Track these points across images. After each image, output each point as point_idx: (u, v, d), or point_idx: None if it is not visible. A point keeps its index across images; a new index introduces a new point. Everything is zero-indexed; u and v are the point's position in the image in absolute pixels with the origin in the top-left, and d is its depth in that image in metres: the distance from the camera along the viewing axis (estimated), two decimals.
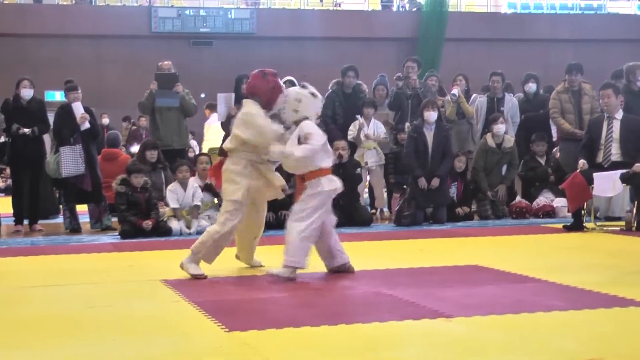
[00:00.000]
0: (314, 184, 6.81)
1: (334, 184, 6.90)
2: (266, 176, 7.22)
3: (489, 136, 12.03)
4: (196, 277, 6.90)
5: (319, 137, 6.85)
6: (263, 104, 7.11)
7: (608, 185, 9.83)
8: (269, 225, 9.55)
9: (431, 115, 11.33)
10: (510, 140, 11.99)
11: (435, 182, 11.23)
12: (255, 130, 7.00)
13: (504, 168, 12.15)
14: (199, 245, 7.07)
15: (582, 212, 10.21)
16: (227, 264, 7.89)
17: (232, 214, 7.05)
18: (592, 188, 9.94)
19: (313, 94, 7.01)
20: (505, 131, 12.09)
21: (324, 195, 6.83)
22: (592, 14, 31.07)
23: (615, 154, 10.02)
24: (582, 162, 10.02)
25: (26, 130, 11.05)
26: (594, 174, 9.83)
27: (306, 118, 6.91)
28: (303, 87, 7.08)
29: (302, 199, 6.83)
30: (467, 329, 4.93)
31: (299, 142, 6.79)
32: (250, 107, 7.14)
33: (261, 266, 7.47)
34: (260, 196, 7.35)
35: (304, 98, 6.97)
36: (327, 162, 6.95)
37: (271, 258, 7.37)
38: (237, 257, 7.65)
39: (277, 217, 10.57)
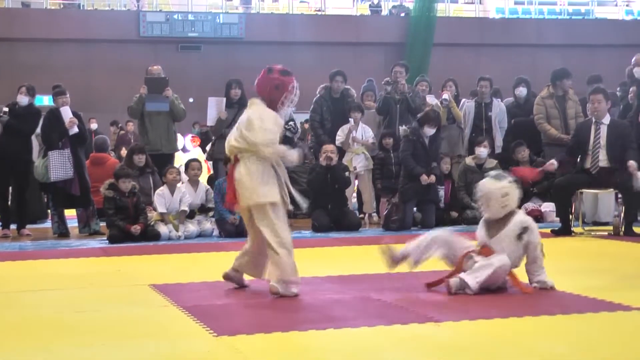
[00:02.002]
0: None
1: None
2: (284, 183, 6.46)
3: (469, 158, 11.97)
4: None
5: None
6: (266, 103, 6.43)
7: None
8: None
9: (430, 131, 11.32)
10: (492, 162, 11.76)
11: (433, 177, 11.17)
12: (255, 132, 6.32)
13: None
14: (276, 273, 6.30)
15: (570, 216, 10.24)
16: (215, 268, 7.88)
17: (277, 219, 6.31)
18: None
19: None
20: (489, 153, 11.92)
21: None
22: (579, 19, 31.20)
23: (603, 159, 10.04)
24: (552, 162, 10.05)
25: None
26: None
27: None
28: None
29: None
30: (455, 334, 4.94)
31: None
32: (257, 107, 6.44)
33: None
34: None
35: None
36: None
37: None
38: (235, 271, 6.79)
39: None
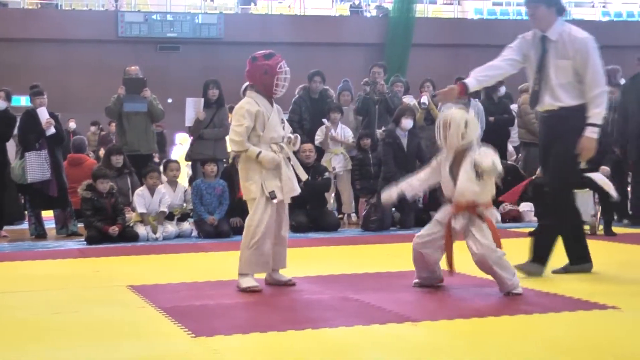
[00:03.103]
0: None
1: None
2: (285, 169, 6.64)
3: None
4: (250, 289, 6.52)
5: None
6: (262, 92, 6.62)
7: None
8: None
9: (408, 123, 11.38)
10: None
11: None
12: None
13: None
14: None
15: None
16: (194, 269, 7.88)
17: (254, 214, 6.57)
18: None
19: None
20: None
21: None
22: None
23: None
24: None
25: None
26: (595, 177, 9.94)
27: None
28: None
29: None
30: (433, 333, 4.96)
31: None
32: (243, 101, 6.69)
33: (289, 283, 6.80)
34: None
35: None
36: None
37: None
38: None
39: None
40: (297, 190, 6.80)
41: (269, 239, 6.60)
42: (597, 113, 6.64)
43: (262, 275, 6.79)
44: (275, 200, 6.55)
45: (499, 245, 6.09)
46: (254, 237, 6.54)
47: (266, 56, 6.66)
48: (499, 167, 6.01)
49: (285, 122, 6.88)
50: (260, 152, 6.50)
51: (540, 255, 7.02)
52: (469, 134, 6.11)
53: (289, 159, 6.71)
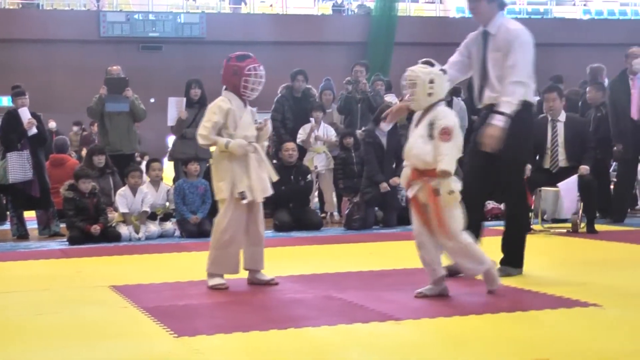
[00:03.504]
0: None
1: None
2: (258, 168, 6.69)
3: None
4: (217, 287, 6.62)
5: None
6: (233, 91, 6.70)
7: (574, 201, 10.08)
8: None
9: (386, 125, 11.38)
10: None
11: (395, 180, 11.03)
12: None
13: None
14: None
15: (530, 214, 10.31)
16: (176, 269, 7.88)
17: (223, 215, 6.66)
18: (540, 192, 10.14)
19: None
20: None
21: None
22: (538, 18, 31.42)
23: (562, 159, 10.14)
24: (527, 167, 10.16)
25: None
26: (561, 192, 9.98)
27: None
28: None
29: None
30: (415, 332, 4.97)
31: None
32: (217, 99, 6.77)
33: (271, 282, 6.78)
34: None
35: None
36: None
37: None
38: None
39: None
40: (269, 191, 6.81)
41: (238, 240, 6.66)
42: (507, 102, 6.41)
43: (246, 275, 6.82)
44: (244, 201, 6.58)
45: (441, 228, 5.80)
46: (221, 238, 6.63)
47: (239, 57, 6.75)
48: (456, 128, 5.79)
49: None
50: (228, 142, 6.56)
51: (512, 257, 6.88)
52: (437, 90, 5.86)
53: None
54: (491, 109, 6.58)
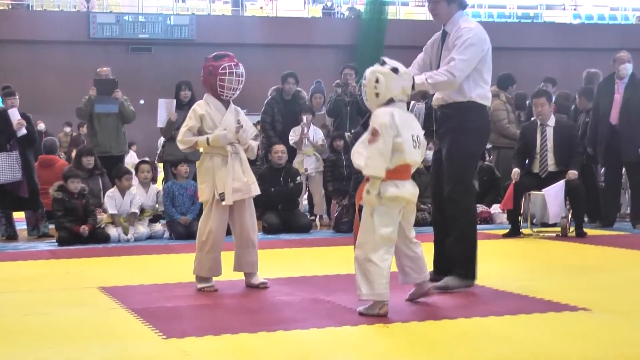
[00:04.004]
0: None
1: None
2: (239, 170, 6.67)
3: None
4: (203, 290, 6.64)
5: None
6: (211, 92, 6.69)
7: (561, 207, 10.09)
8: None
9: None
10: None
11: None
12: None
13: None
14: None
15: (519, 218, 10.34)
16: (165, 270, 7.86)
17: (205, 217, 6.70)
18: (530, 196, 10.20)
19: None
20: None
21: None
22: (528, 22, 31.50)
23: (551, 164, 10.18)
24: (516, 172, 10.20)
25: None
26: (547, 199, 10.00)
27: None
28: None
29: None
30: (404, 335, 4.97)
31: None
32: (196, 103, 6.86)
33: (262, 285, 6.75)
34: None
35: None
36: None
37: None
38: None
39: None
40: (252, 192, 6.76)
41: (219, 242, 6.67)
42: (427, 77, 6.18)
43: (235, 277, 6.82)
44: (224, 202, 6.57)
45: (355, 234, 5.56)
46: (204, 240, 6.68)
47: (215, 57, 6.72)
48: (384, 129, 5.39)
49: (247, 122, 6.84)
50: (208, 138, 6.59)
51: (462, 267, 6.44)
52: (382, 90, 5.55)
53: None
54: (443, 109, 6.50)
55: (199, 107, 6.71)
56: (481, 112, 6.50)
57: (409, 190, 5.55)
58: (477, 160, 6.84)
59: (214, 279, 6.72)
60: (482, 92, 6.45)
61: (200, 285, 6.63)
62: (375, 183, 5.42)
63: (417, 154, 5.60)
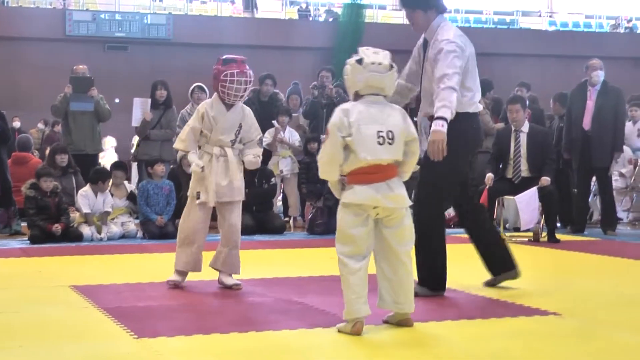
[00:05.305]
0: None
1: None
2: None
3: None
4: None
5: None
6: (218, 96, 6.75)
7: (533, 213, 10.13)
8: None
9: None
10: (416, 167, 11.78)
11: None
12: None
13: None
14: None
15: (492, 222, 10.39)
16: (138, 270, 7.85)
17: (186, 213, 6.84)
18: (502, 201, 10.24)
19: None
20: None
21: None
22: (504, 28, 31.63)
23: (525, 170, 10.23)
24: (489, 177, 10.26)
25: None
26: (519, 205, 10.04)
27: None
28: None
29: None
30: (375, 337, 4.98)
31: None
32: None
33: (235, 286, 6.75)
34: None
35: None
36: None
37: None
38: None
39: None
40: (234, 197, 6.78)
41: (198, 238, 6.77)
42: (442, 106, 6.00)
43: (208, 277, 6.83)
44: (198, 201, 6.67)
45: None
46: (183, 235, 6.79)
47: (224, 61, 6.77)
48: (331, 128, 5.13)
49: (252, 125, 6.98)
50: (189, 153, 6.76)
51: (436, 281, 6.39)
52: (348, 83, 5.32)
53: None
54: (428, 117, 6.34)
55: (201, 106, 6.85)
56: (467, 119, 6.39)
57: (368, 195, 5.01)
58: (459, 171, 6.65)
59: (195, 277, 6.79)
60: (465, 100, 6.36)
61: (168, 278, 6.76)
62: (332, 186, 5.18)
63: (383, 150, 5.07)
